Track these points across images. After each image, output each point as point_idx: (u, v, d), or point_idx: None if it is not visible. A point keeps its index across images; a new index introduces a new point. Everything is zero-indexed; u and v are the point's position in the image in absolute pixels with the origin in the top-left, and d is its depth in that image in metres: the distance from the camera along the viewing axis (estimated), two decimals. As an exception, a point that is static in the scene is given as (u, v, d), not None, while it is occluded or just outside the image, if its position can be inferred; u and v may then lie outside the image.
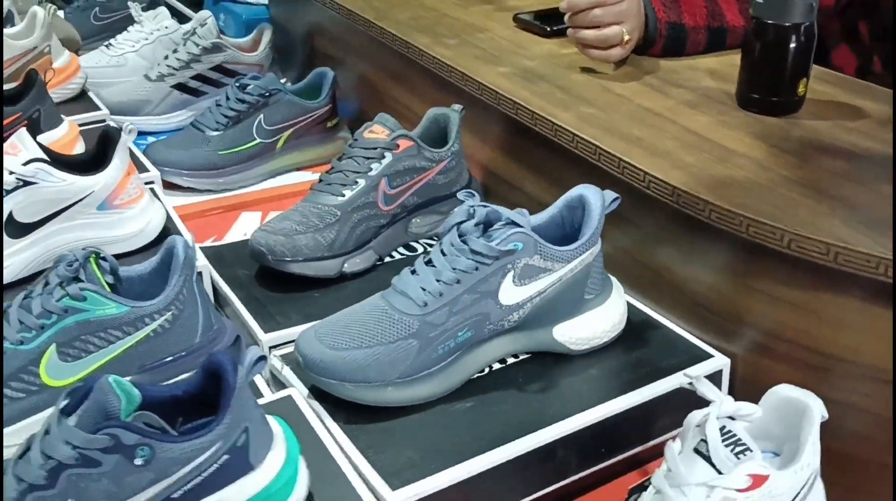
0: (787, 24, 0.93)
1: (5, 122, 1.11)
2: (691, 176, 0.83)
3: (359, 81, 1.40)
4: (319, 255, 0.94)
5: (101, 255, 0.79)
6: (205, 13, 1.66)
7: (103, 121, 1.35)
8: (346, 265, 0.96)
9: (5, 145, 0.91)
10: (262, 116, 1.31)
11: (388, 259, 1.01)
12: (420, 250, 1.04)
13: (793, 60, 0.94)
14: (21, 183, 0.90)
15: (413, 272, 0.79)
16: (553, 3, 1.32)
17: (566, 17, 1.08)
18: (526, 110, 0.98)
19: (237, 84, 1.33)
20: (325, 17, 1.45)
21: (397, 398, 0.76)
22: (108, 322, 0.76)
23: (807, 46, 0.94)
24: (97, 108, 1.36)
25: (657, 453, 0.82)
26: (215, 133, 1.30)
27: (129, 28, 1.65)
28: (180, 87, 1.48)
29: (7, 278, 0.91)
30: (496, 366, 0.82)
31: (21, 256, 0.91)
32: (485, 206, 0.79)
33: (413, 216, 1.03)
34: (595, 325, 0.84)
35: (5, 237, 0.90)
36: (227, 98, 1.32)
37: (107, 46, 1.60)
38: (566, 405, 0.77)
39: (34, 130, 1.13)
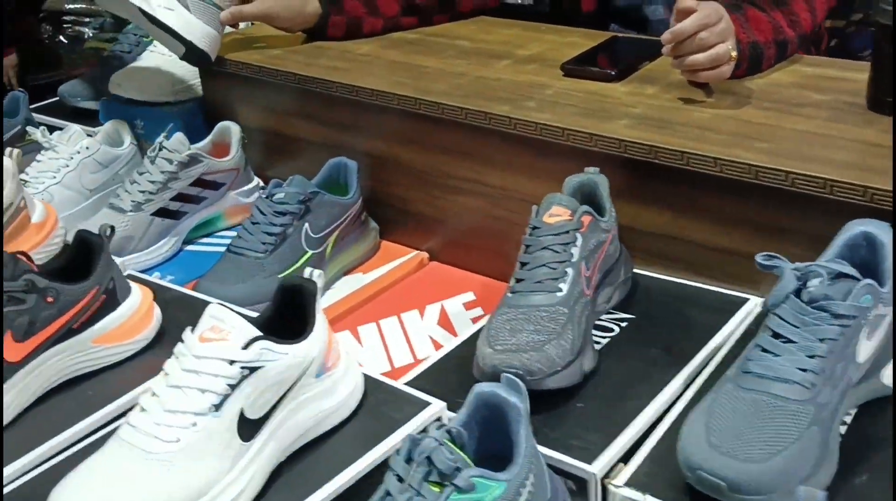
0: (921, 27, 0.96)
1: (79, 306, 0.88)
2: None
3: (382, 166, 1.27)
4: (567, 361, 0.84)
5: (449, 428, 0.65)
6: (115, 123, 1.46)
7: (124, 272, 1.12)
8: (584, 366, 0.87)
9: (206, 331, 0.72)
10: (306, 225, 1.17)
11: (596, 347, 0.92)
12: (615, 329, 0.96)
13: (930, 60, 0.98)
14: (247, 371, 0.71)
15: (768, 352, 0.72)
16: (563, 45, 1.28)
17: (669, 48, 1.04)
18: (705, 158, 0.94)
19: (264, 196, 1.17)
20: (318, 103, 1.30)
21: (810, 493, 0.69)
22: (496, 509, 0.63)
23: (939, 44, 0.98)
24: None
25: None
26: (264, 255, 1.13)
27: (40, 157, 1.41)
28: (161, 212, 1.27)
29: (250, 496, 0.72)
30: (841, 429, 0.78)
31: (259, 460, 0.72)
32: (822, 266, 0.74)
33: (597, 295, 0.95)
34: (906, 358, 0.81)
35: (240, 442, 0.71)
36: (262, 214, 1.16)
37: (22, 183, 1.35)
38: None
39: (112, 305, 0.92)
